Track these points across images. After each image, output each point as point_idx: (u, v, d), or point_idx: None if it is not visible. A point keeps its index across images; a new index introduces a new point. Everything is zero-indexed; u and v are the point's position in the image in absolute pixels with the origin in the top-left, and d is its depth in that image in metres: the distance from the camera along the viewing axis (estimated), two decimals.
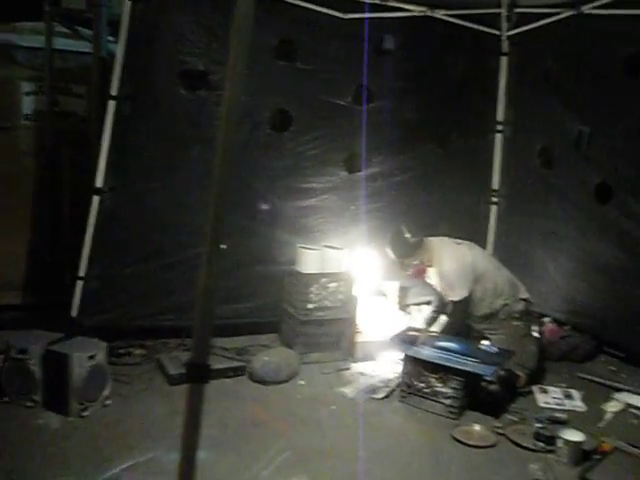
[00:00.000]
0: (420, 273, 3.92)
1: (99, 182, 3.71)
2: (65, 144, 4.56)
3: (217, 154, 1.19)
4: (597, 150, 4.10)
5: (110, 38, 4.42)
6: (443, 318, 3.90)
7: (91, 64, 4.37)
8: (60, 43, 4.44)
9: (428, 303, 4.21)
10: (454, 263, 3.77)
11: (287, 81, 4.17)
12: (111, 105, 3.65)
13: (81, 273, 3.78)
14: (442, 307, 3.95)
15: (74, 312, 3.79)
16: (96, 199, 3.72)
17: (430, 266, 3.88)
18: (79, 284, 3.78)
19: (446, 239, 3.95)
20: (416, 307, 4.42)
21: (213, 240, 1.10)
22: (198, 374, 1.13)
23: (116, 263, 3.88)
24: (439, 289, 3.90)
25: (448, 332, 3.79)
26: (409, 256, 3.82)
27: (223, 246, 1.26)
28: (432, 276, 3.92)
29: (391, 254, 3.87)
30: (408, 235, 3.78)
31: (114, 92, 3.62)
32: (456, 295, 3.74)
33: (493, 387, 3.40)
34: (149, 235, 3.94)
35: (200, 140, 3.84)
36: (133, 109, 3.75)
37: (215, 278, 1.12)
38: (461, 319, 3.86)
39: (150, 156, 3.88)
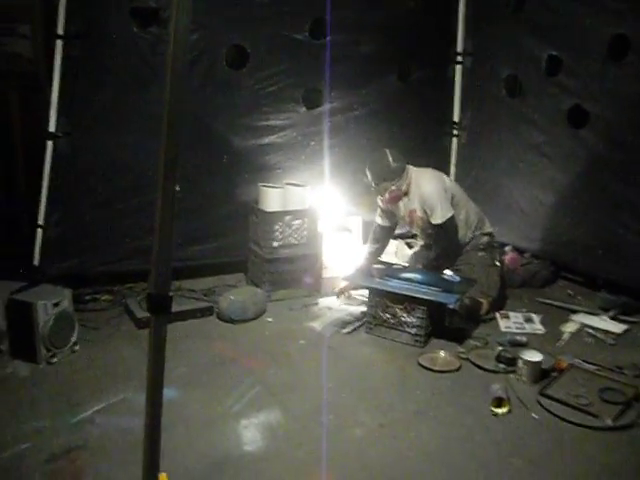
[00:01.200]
0: (395, 200, 3.82)
1: (52, 127, 3.60)
2: (12, 88, 4.38)
3: (165, 94, 1.16)
4: (568, 75, 4.07)
5: None
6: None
7: (34, 0, 4.15)
8: None
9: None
10: (435, 184, 3.77)
11: (242, 15, 4.03)
12: (59, 45, 3.49)
13: (40, 221, 3.70)
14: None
15: (36, 261, 3.73)
16: (50, 144, 3.61)
17: (406, 194, 3.80)
18: (39, 232, 3.71)
19: (424, 168, 3.93)
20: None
21: (167, 166, 1.08)
22: (160, 305, 1.13)
23: (76, 209, 3.80)
24: (420, 216, 3.82)
25: (437, 266, 3.80)
26: (387, 180, 3.74)
27: (177, 188, 1.25)
28: (412, 203, 3.83)
29: (369, 177, 3.80)
30: (390, 159, 3.74)
31: (60, 31, 3.46)
32: (440, 216, 3.70)
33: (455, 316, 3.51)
34: (108, 180, 3.85)
35: (155, 80, 3.73)
36: (82, 49, 3.59)
37: (171, 209, 1.11)
38: (449, 247, 3.84)
39: (104, 98, 3.74)
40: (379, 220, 4.05)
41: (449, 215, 3.71)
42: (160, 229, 1.11)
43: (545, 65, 4.21)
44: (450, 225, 3.75)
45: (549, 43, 4.17)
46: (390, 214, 3.99)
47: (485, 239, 3.92)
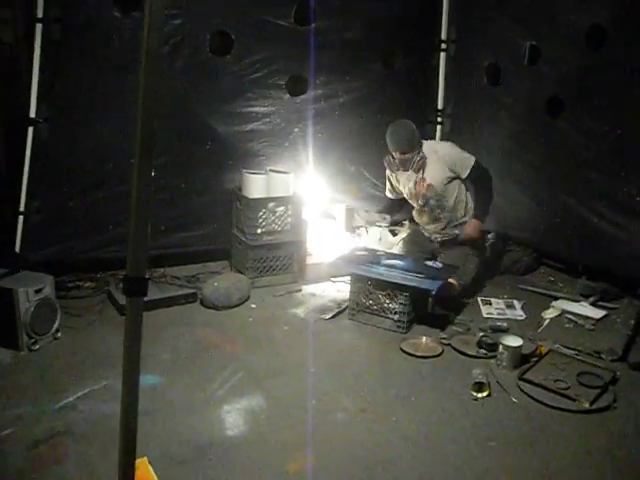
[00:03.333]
0: (420, 169, 3.90)
1: (32, 112, 3.55)
2: None
3: (140, 80, 1.16)
4: (547, 64, 4.08)
5: None
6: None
7: None
8: None
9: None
10: (450, 144, 4.04)
11: (227, 1, 3.99)
12: (38, 29, 3.45)
13: (21, 208, 3.67)
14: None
15: (17, 248, 3.70)
16: (30, 130, 3.57)
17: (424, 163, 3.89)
18: (20, 219, 3.68)
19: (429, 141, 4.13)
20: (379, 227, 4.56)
21: (143, 146, 1.08)
22: (136, 287, 1.14)
23: (58, 196, 3.76)
24: (447, 174, 3.90)
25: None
26: (414, 150, 3.85)
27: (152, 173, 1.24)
28: (433, 168, 3.90)
29: (395, 146, 3.86)
30: (414, 128, 3.85)
31: (40, 14, 3.41)
32: (468, 164, 3.86)
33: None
34: (90, 166, 3.81)
35: (137, 66, 3.67)
36: (63, 33, 3.54)
37: (147, 191, 1.11)
38: (491, 181, 3.97)
39: (85, 84, 3.69)
40: (390, 194, 4.24)
41: (473, 161, 3.87)
42: (135, 212, 1.11)
43: (524, 54, 4.23)
44: (479, 168, 3.89)
45: (529, 32, 4.19)
46: (397, 189, 4.16)
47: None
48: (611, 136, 3.72)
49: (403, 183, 4.06)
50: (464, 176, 3.89)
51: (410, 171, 3.92)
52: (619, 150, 3.69)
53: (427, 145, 3.94)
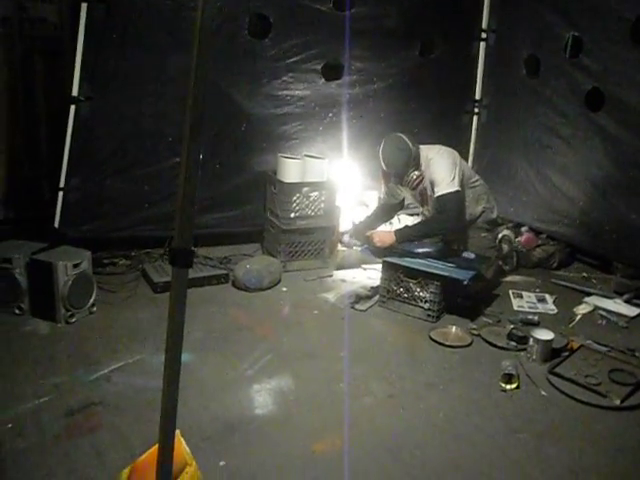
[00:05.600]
0: (418, 185, 3.67)
1: (75, 91, 3.62)
2: (37, 52, 4.40)
3: (192, 63, 1.17)
4: (588, 56, 4.00)
5: None
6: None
7: None
8: None
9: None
10: (446, 159, 3.60)
11: None
12: (83, 9, 3.50)
13: (61, 184, 3.75)
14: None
15: (56, 223, 3.78)
16: (72, 108, 3.64)
17: (422, 179, 3.66)
18: (60, 195, 3.76)
19: (432, 145, 3.78)
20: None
21: (194, 118, 1.10)
22: (182, 258, 1.17)
23: (96, 174, 3.84)
24: (430, 194, 3.66)
25: (427, 235, 3.62)
26: (411, 168, 3.60)
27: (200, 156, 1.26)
28: (424, 182, 3.69)
29: (393, 170, 3.62)
30: (410, 145, 3.56)
31: None
32: (446, 187, 3.49)
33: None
34: (128, 145, 3.88)
35: (178, 47, 3.73)
36: (107, 14, 3.59)
37: (196, 165, 1.14)
38: (454, 222, 3.56)
39: (127, 64, 3.75)
40: (385, 199, 4.05)
41: (453, 190, 3.50)
42: (183, 187, 1.14)
43: (566, 46, 4.15)
44: (453, 201, 3.51)
45: (571, 23, 4.10)
46: (395, 193, 3.96)
47: (493, 215, 3.90)
48: None
49: (404, 189, 3.88)
50: (435, 195, 3.57)
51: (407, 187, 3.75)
52: None
53: (426, 152, 3.66)
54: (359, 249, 3.89)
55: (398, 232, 3.57)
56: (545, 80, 4.38)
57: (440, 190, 3.52)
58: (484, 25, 4.81)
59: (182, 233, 1.17)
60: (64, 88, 3.67)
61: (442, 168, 3.57)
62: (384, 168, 3.66)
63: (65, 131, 3.67)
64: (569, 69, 4.14)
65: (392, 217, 4.13)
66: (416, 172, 3.62)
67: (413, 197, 3.93)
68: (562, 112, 4.25)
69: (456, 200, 3.53)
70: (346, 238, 4.06)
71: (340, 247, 4.12)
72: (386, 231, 3.69)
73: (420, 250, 3.58)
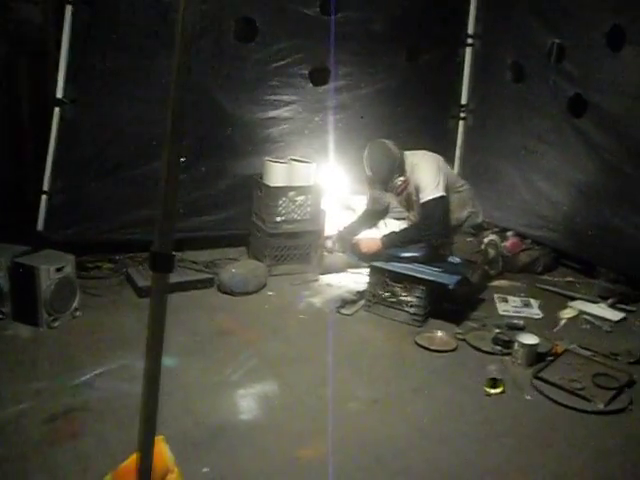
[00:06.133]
0: (404, 191, 3.70)
1: (59, 93, 3.60)
2: (21, 54, 4.36)
3: (173, 66, 1.17)
4: (571, 62, 4.05)
5: None
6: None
7: None
8: None
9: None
10: (430, 165, 3.61)
11: None
12: (68, 10, 3.48)
13: (45, 187, 3.72)
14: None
15: (40, 226, 3.75)
16: (57, 111, 3.61)
17: (407, 185, 3.68)
18: (43, 198, 3.73)
19: (417, 151, 3.81)
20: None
21: (174, 121, 1.09)
22: (162, 263, 1.16)
23: (80, 177, 3.81)
24: (415, 200, 3.69)
25: (413, 241, 3.61)
26: (396, 174, 3.62)
27: (182, 159, 1.26)
28: (409, 187, 3.71)
29: (378, 177, 3.64)
30: (395, 151, 3.59)
31: None
32: (431, 193, 3.51)
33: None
34: (113, 148, 3.85)
35: (163, 50, 3.70)
36: (92, 15, 3.58)
37: (177, 166, 1.13)
38: (440, 228, 3.56)
39: (112, 66, 3.73)
40: (369, 205, 4.06)
41: (438, 195, 3.51)
42: (164, 190, 1.13)
43: (549, 52, 4.19)
44: (438, 206, 3.52)
45: (553, 30, 4.15)
46: (380, 199, 3.97)
47: (478, 220, 3.91)
48: (633, 138, 3.68)
49: (388, 195, 3.91)
50: (420, 202, 3.60)
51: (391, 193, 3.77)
52: None
53: (411, 158, 3.68)
54: (342, 255, 3.90)
55: (384, 238, 3.59)
56: (529, 86, 4.41)
57: (425, 196, 3.54)
58: (470, 31, 4.84)
59: (162, 237, 1.16)
60: (48, 90, 3.64)
61: (426, 174, 3.58)
62: (369, 174, 3.66)
63: (49, 133, 3.64)
64: (552, 75, 4.18)
65: (377, 223, 4.13)
66: (401, 178, 3.64)
67: (399, 202, 3.94)
68: (546, 117, 4.28)
69: (441, 206, 3.54)
70: (329, 244, 4.07)
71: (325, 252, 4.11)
72: (372, 238, 3.69)
73: (406, 254, 3.58)
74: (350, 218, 4.21)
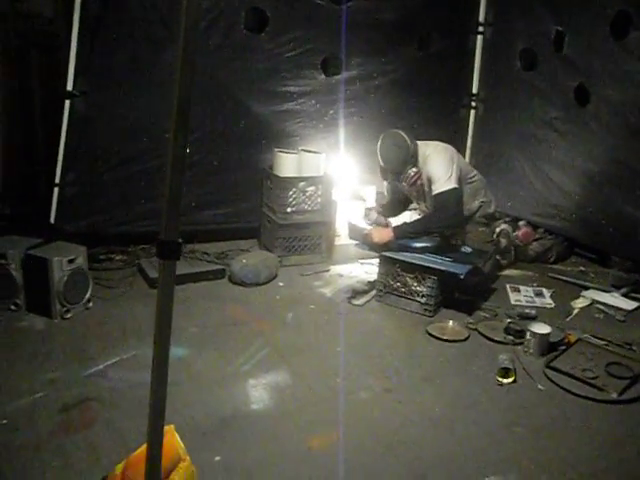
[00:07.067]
0: (417, 182, 3.64)
1: (70, 85, 3.61)
2: (33, 47, 4.38)
3: (178, 56, 1.17)
4: (575, 51, 4.01)
5: None
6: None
7: None
8: None
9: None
10: (443, 156, 3.59)
11: None
12: (78, 3, 3.48)
13: (57, 180, 3.74)
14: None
15: (52, 219, 3.78)
16: (67, 103, 3.63)
17: (420, 176, 3.63)
18: (55, 191, 3.75)
19: (430, 141, 3.77)
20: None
21: (180, 110, 1.09)
22: (169, 250, 1.17)
23: (92, 169, 3.83)
24: (427, 190, 3.66)
25: (425, 232, 3.58)
26: (409, 164, 3.59)
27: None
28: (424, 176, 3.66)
29: (391, 166, 3.62)
30: (408, 141, 3.55)
31: None
32: (444, 185, 3.48)
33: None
34: (125, 140, 3.87)
35: (173, 41, 3.71)
36: (102, 8, 3.58)
37: (182, 156, 1.13)
38: (453, 220, 3.55)
39: (122, 59, 3.74)
40: (390, 195, 4.04)
41: (451, 187, 3.49)
42: (170, 178, 1.13)
43: (555, 40, 4.16)
44: (451, 198, 3.49)
45: (557, 17, 4.11)
46: (397, 189, 3.95)
47: (490, 210, 3.88)
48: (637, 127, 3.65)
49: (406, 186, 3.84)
50: (433, 193, 3.57)
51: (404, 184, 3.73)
52: None
53: (424, 148, 3.65)
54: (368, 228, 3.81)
55: (396, 229, 3.56)
56: (539, 74, 4.38)
57: (438, 188, 3.51)
58: (481, 18, 4.80)
59: (169, 225, 1.16)
60: (60, 83, 3.65)
61: (439, 165, 3.55)
62: (382, 165, 3.65)
63: (61, 126, 3.65)
64: (560, 63, 4.15)
65: (403, 211, 4.08)
66: (414, 169, 3.60)
67: (409, 193, 3.91)
68: (557, 106, 4.25)
69: (454, 197, 3.51)
70: (373, 215, 3.95)
71: (363, 225, 3.94)
72: (384, 228, 3.67)
73: (417, 245, 3.57)
74: (376, 203, 4.18)
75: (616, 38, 3.69)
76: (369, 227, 3.80)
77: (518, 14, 4.50)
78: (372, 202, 4.25)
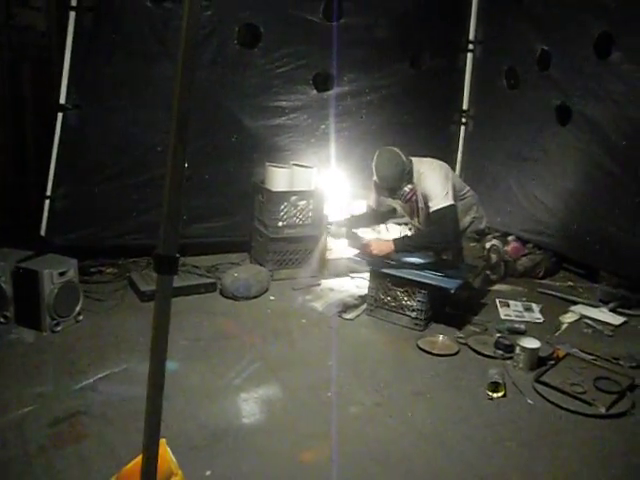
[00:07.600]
0: (411, 199, 3.62)
1: (62, 99, 3.62)
2: (25, 60, 4.38)
3: (176, 72, 1.18)
4: (558, 70, 4.07)
5: None
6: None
7: None
8: None
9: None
10: (438, 173, 3.60)
11: None
12: (71, 17, 3.50)
13: (48, 192, 3.74)
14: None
15: (43, 231, 3.77)
16: (60, 116, 3.63)
17: (414, 193, 3.61)
18: (46, 203, 3.75)
19: (424, 158, 3.77)
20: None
21: (179, 120, 1.10)
22: (167, 265, 1.17)
23: (84, 182, 3.83)
24: (422, 207, 3.67)
25: (426, 247, 3.61)
26: (405, 182, 3.56)
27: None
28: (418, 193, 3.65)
29: (387, 184, 3.59)
30: (404, 159, 3.53)
31: (74, 3, 3.47)
32: (441, 202, 3.48)
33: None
34: (116, 154, 3.88)
35: (167, 56, 3.74)
36: (95, 22, 3.60)
37: (182, 172, 1.14)
38: (452, 236, 3.54)
39: (115, 73, 3.75)
40: (375, 205, 3.99)
41: (448, 204, 3.49)
42: (169, 193, 1.14)
43: (539, 59, 4.23)
44: (449, 215, 3.50)
45: (542, 37, 4.18)
46: (385, 202, 3.94)
47: (482, 226, 3.90)
48: (619, 146, 3.72)
49: (394, 202, 3.87)
50: (430, 210, 3.56)
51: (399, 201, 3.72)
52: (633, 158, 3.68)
53: (418, 165, 3.63)
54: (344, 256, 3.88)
55: (397, 241, 3.56)
56: (523, 92, 4.45)
57: (435, 205, 3.52)
58: (471, 36, 4.87)
59: (167, 239, 1.17)
60: (52, 96, 3.66)
61: (435, 183, 3.56)
62: (377, 182, 3.67)
63: (53, 139, 3.66)
64: (543, 83, 4.21)
65: (379, 224, 4.12)
66: (409, 186, 3.59)
67: (402, 209, 3.93)
68: (540, 124, 4.31)
69: (451, 214, 3.53)
70: (334, 228, 3.92)
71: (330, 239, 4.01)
72: (384, 240, 3.68)
73: (409, 260, 3.58)
74: (358, 211, 4.14)
75: (599, 57, 3.75)
76: (368, 237, 3.81)
77: (506, 33, 4.58)
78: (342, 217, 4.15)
